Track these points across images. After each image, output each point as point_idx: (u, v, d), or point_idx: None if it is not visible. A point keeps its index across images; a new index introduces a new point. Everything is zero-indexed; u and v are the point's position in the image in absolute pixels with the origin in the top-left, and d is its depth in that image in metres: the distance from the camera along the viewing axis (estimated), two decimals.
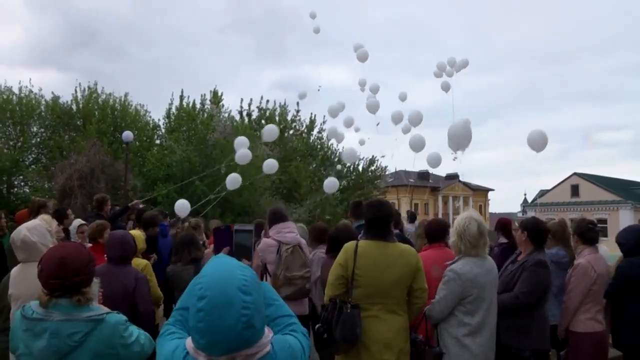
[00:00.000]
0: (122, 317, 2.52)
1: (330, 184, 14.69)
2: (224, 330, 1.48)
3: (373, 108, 14.96)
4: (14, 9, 67.75)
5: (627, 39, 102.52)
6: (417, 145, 12.42)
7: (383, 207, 3.77)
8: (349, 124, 16.28)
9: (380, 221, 3.69)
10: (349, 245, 3.70)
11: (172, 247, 6.02)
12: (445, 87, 15.26)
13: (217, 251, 2.07)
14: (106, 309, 2.51)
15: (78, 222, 5.49)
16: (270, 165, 12.79)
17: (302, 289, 4.81)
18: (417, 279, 3.62)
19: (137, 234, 5.69)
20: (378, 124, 16.20)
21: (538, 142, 9.41)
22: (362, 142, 18.07)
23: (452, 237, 3.87)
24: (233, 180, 12.29)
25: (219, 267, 1.60)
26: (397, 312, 3.57)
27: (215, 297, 1.50)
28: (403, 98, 16.52)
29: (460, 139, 8.73)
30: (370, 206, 3.86)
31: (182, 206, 11.29)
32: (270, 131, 12.65)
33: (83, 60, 65.47)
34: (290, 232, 4.88)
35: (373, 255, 3.59)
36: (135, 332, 2.55)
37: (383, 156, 32.31)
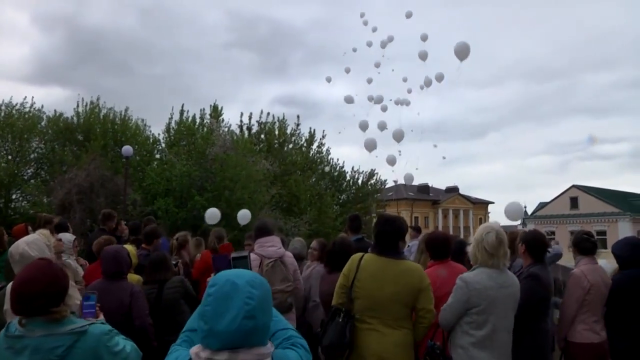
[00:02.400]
0: (106, 327, 2.48)
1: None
2: (227, 315, 1.57)
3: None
4: (22, 27, 68.32)
5: (624, 55, 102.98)
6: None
7: (391, 222, 3.79)
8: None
9: (385, 236, 3.71)
10: (355, 257, 3.76)
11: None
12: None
13: None
14: (89, 321, 2.47)
15: (72, 236, 5.49)
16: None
17: (282, 302, 4.77)
18: (420, 298, 3.59)
19: (131, 248, 5.68)
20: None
21: (515, 213, 10.78)
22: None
23: (471, 247, 3.80)
24: (212, 215, 12.57)
25: (234, 269, 1.81)
26: (396, 327, 3.56)
27: (225, 284, 1.64)
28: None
29: None
30: (378, 221, 3.90)
31: (213, 214, 12.40)
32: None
33: (86, 76, 65.60)
34: (272, 246, 4.88)
35: (373, 269, 3.62)
36: (122, 342, 2.52)
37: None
